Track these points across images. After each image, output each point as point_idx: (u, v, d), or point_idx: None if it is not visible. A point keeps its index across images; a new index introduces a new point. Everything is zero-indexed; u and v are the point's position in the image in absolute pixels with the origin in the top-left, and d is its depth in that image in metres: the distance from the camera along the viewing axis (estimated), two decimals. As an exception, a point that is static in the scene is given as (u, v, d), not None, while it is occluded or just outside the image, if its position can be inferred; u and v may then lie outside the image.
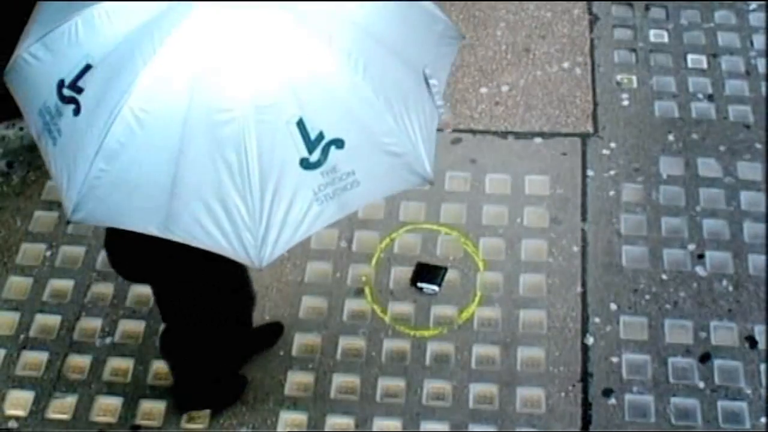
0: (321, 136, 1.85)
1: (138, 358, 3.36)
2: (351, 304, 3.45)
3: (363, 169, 1.92)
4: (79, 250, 3.64)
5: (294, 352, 3.35)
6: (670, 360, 3.28)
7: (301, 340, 3.38)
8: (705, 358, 3.28)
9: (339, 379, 3.28)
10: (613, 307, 3.41)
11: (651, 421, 3.16)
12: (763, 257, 3.51)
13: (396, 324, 3.40)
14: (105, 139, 1.84)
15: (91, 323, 3.45)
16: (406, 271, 3.51)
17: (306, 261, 3.57)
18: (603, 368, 3.28)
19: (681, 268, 3.50)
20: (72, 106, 1.90)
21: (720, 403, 3.18)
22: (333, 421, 3.20)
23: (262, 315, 3.43)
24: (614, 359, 3.29)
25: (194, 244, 1.93)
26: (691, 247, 3.56)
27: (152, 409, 3.25)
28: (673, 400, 3.20)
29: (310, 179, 1.87)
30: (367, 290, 3.49)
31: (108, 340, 3.41)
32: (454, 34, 2.22)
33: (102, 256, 3.61)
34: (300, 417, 3.21)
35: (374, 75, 1.90)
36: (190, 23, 1.83)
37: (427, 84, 2.02)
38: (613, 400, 3.21)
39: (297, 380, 3.29)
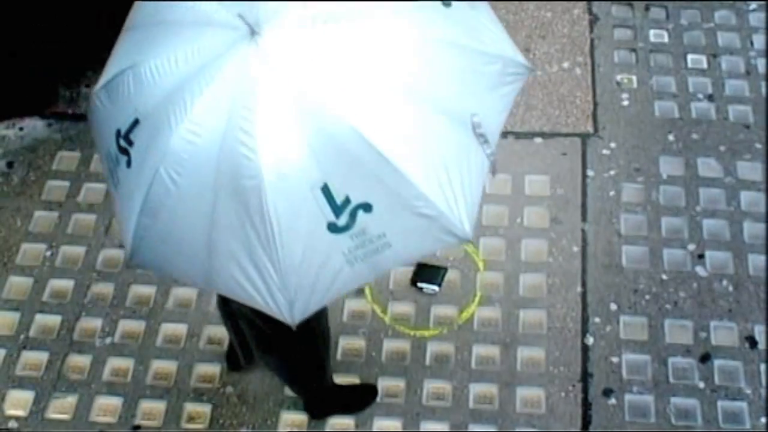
0: (347, 200, 1.84)
1: (138, 358, 3.36)
2: (351, 304, 3.45)
3: (394, 231, 1.90)
4: (79, 250, 3.64)
5: (294, 352, 3.35)
6: (670, 360, 3.28)
7: (301, 340, 3.38)
8: (705, 358, 3.28)
9: (339, 379, 3.28)
10: (613, 307, 3.41)
11: (651, 421, 3.16)
12: (763, 257, 3.51)
13: (396, 324, 3.40)
14: (147, 196, 1.90)
15: (91, 323, 3.45)
16: (406, 271, 3.51)
17: (306, 261, 3.56)
18: (603, 368, 3.28)
19: (681, 268, 3.50)
20: (126, 158, 1.95)
21: (720, 403, 3.18)
22: (333, 421, 3.20)
23: (262, 315, 3.43)
24: (614, 359, 3.29)
25: (235, 299, 1.99)
26: (691, 247, 3.56)
27: (152, 409, 3.25)
28: (673, 400, 3.20)
29: (339, 242, 1.87)
30: (367, 290, 3.49)
31: (108, 340, 3.41)
32: (518, 69, 2.08)
33: (102, 255, 3.61)
34: (300, 417, 3.21)
35: (404, 140, 1.86)
36: (218, 87, 1.85)
37: (475, 134, 1.95)
38: (613, 400, 3.21)
39: (297, 380, 3.29)
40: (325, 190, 1.83)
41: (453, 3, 2.01)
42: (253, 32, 1.82)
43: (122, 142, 1.95)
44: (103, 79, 2.05)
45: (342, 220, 1.85)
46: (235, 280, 1.92)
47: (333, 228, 1.85)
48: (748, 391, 3.21)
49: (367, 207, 1.85)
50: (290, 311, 1.92)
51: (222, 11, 1.89)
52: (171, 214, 1.92)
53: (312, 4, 1.87)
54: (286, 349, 2.69)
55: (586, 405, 3.20)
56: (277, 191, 1.81)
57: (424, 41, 1.92)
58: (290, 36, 1.84)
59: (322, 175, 1.82)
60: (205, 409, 3.24)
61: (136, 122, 1.92)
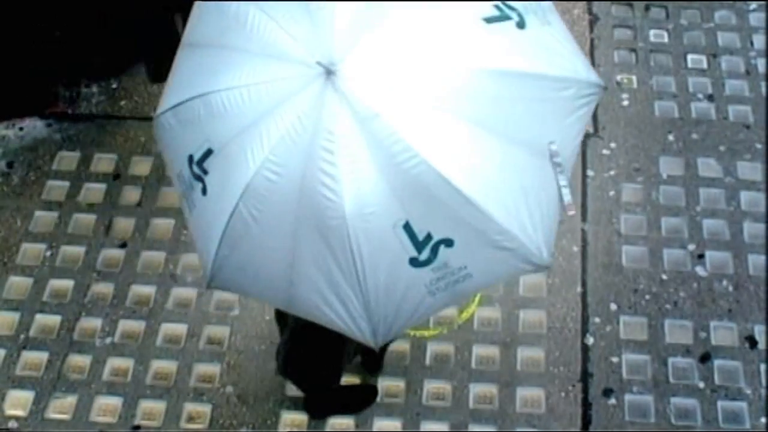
0: (429, 237, 1.87)
1: (138, 358, 3.36)
2: (351, 304, 3.45)
3: (475, 263, 1.93)
4: (79, 250, 3.64)
5: (294, 352, 3.35)
6: (670, 360, 3.28)
7: (301, 340, 3.38)
8: (705, 358, 3.28)
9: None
10: (613, 307, 3.41)
11: (651, 421, 3.16)
12: (763, 257, 3.51)
13: (396, 324, 3.40)
14: (226, 229, 1.94)
15: (91, 323, 3.45)
16: (406, 271, 3.51)
17: (306, 261, 3.57)
18: (603, 368, 3.28)
19: (681, 268, 3.50)
20: (200, 185, 1.98)
21: (720, 403, 3.18)
22: (333, 421, 3.20)
23: (262, 315, 3.43)
24: (614, 359, 3.29)
25: (318, 323, 2.04)
26: (691, 247, 3.56)
27: (152, 409, 3.25)
28: (673, 400, 3.20)
29: (421, 276, 1.91)
30: (367, 290, 3.48)
31: (108, 340, 3.41)
32: (591, 90, 2.05)
33: (102, 255, 3.61)
34: (300, 417, 3.21)
35: (484, 176, 1.87)
36: (295, 126, 1.86)
37: (552, 163, 1.96)
38: (613, 400, 3.21)
39: (297, 380, 3.29)
40: (407, 228, 1.86)
41: (526, 20, 1.99)
42: (329, 71, 1.82)
43: (195, 169, 1.97)
44: (169, 101, 2.05)
45: (424, 255, 1.88)
46: (318, 308, 1.97)
47: (415, 263, 1.89)
48: (748, 391, 3.21)
49: (448, 242, 1.88)
50: (374, 337, 1.98)
51: (294, 46, 1.88)
52: (251, 247, 1.95)
53: (386, 37, 1.86)
54: (315, 346, 2.72)
55: (586, 405, 3.20)
56: (361, 230, 1.84)
57: (500, 74, 1.91)
58: (366, 75, 1.84)
59: (403, 214, 1.85)
60: (205, 409, 3.24)
61: (209, 152, 1.94)
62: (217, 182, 1.94)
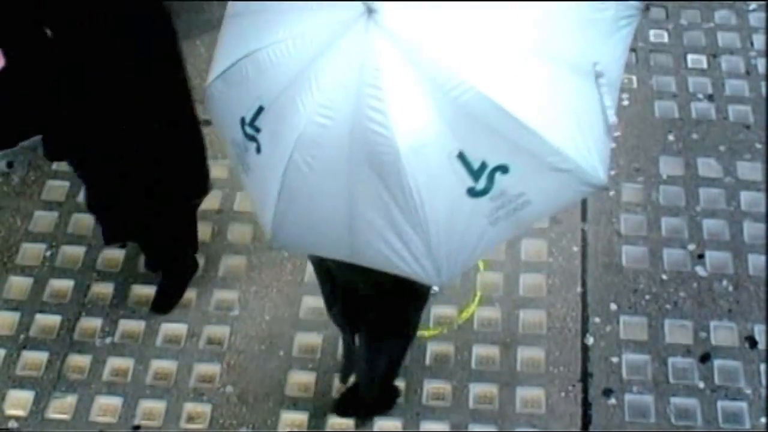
0: (484, 165, 1.86)
1: (138, 358, 3.36)
2: (351, 304, 3.45)
3: (533, 189, 1.92)
4: (79, 250, 3.64)
5: (294, 352, 3.35)
6: (670, 360, 3.28)
7: (301, 340, 3.38)
8: (705, 358, 3.28)
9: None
10: (613, 307, 3.41)
11: (651, 421, 3.16)
12: (763, 257, 3.51)
13: (396, 324, 3.40)
14: (283, 182, 1.93)
15: (91, 323, 3.45)
16: (406, 271, 3.51)
17: (306, 261, 3.56)
18: (603, 368, 3.28)
19: (681, 268, 3.50)
20: (254, 144, 1.97)
21: (720, 403, 3.19)
22: (333, 421, 3.20)
23: (262, 315, 3.43)
24: (614, 359, 3.29)
25: (381, 269, 2.03)
26: (691, 247, 3.56)
27: (152, 409, 3.25)
28: (673, 400, 3.20)
29: (480, 206, 1.90)
30: (367, 290, 3.49)
31: (108, 340, 3.41)
32: (630, 11, 2.05)
33: (102, 255, 3.61)
34: (300, 417, 3.21)
35: (534, 98, 1.87)
36: (341, 67, 1.86)
37: (597, 84, 1.96)
38: (613, 400, 3.21)
39: (297, 380, 3.29)
40: (462, 157, 1.85)
41: None
42: (370, 10, 1.82)
43: (248, 129, 1.97)
44: (216, 70, 2.06)
45: (480, 184, 1.87)
46: (379, 252, 1.95)
47: (472, 192, 1.88)
48: (748, 391, 3.21)
49: (504, 169, 1.87)
50: (438, 276, 1.96)
51: None
52: (308, 197, 1.95)
53: None
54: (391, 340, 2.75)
55: (586, 405, 3.20)
56: (415, 164, 1.83)
57: None
58: (407, 10, 1.84)
59: (457, 143, 1.84)
60: (205, 409, 3.24)
61: (260, 109, 1.94)
62: (270, 137, 1.94)
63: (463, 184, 1.86)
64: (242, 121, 1.98)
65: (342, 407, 3.20)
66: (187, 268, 3.49)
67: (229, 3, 2.12)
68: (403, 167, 1.83)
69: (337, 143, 1.87)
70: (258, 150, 1.97)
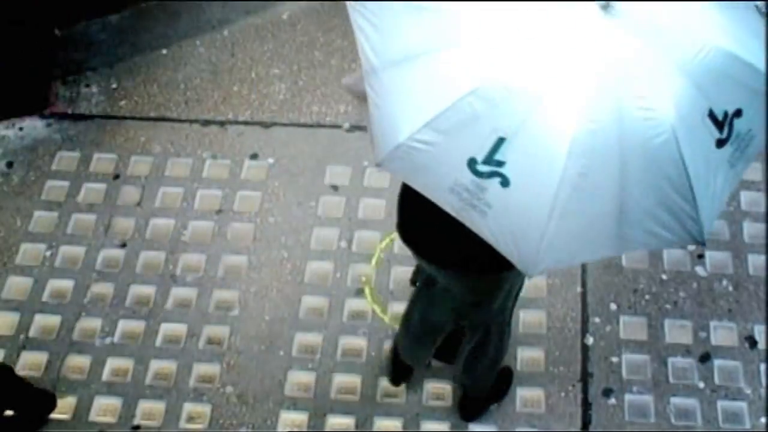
0: (726, 114, 1.97)
1: (138, 358, 3.36)
2: (351, 304, 3.46)
3: (755, 122, 2.03)
4: (79, 250, 3.64)
5: (294, 352, 3.35)
6: (670, 360, 3.28)
7: (301, 340, 3.38)
8: (705, 358, 3.28)
9: (339, 379, 3.28)
10: (613, 307, 3.41)
11: (651, 421, 3.16)
12: (763, 257, 3.51)
13: (396, 324, 3.40)
14: (555, 202, 1.90)
15: (91, 323, 3.45)
16: (406, 271, 3.51)
17: (306, 261, 3.57)
18: (603, 368, 3.28)
19: (681, 268, 3.50)
20: (496, 179, 1.92)
21: (720, 403, 3.19)
22: (333, 421, 3.20)
23: (262, 315, 3.44)
24: (614, 359, 3.29)
25: (645, 249, 2.15)
26: (691, 247, 3.56)
27: (152, 409, 3.25)
28: (673, 400, 3.20)
29: (724, 153, 2.00)
30: (367, 290, 3.49)
31: (108, 340, 3.41)
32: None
33: (102, 255, 3.61)
34: (300, 417, 3.21)
35: (748, 41, 2.00)
36: (589, 69, 1.88)
37: None
38: (613, 400, 3.21)
39: (297, 380, 3.29)
40: (711, 114, 1.95)
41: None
42: (605, 6, 1.86)
43: (482, 168, 1.92)
44: (418, 120, 1.96)
45: (724, 133, 1.98)
46: (648, 232, 2.00)
47: (720, 143, 1.98)
48: (748, 391, 3.21)
49: (738, 113, 1.98)
50: (701, 235, 2.05)
51: None
52: (581, 208, 1.94)
53: None
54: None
55: (586, 405, 3.20)
56: (683, 137, 1.90)
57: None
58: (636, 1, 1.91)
59: (706, 102, 1.93)
60: (205, 409, 3.25)
61: (500, 141, 1.90)
62: (524, 164, 1.91)
63: (712, 139, 1.96)
64: (471, 162, 1.92)
65: (466, 413, 3.20)
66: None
67: (367, 57, 2.02)
68: (676, 142, 1.90)
69: (606, 144, 1.88)
70: (504, 183, 1.91)
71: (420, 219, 2.39)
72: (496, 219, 1.97)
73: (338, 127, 3.97)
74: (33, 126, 4.06)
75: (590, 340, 3.34)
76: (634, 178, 1.92)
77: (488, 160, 1.91)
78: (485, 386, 3.11)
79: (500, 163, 1.90)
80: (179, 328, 3.43)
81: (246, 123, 4.01)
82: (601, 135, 1.87)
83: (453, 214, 2.00)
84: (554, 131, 1.87)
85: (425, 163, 1.98)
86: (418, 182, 2.05)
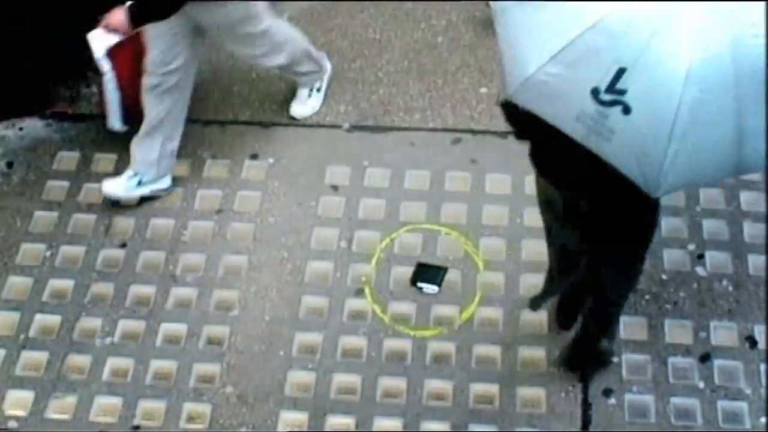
0: None
1: (138, 358, 3.36)
2: (351, 304, 3.46)
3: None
4: (79, 250, 3.64)
5: (294, 352, 3.35)
6: (670, 360, 3.28)
7: (301, 340, 3.38)
8: (705, 358, 3.28)
9: (339, 379, 3.28)
10: (613, 307, 3.41)
11: (651, 421, 3.16)
12: (763, 257, 3.51)
13: (396, 324, 3.40)
14: (674, 125, 2.00)
15: (91, 323, 3.45)
16: (406, 271, 3.51)
17: (306, 261, 3.57)
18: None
19: (681, 268, 3.50)
20: (618, 107, 2.04)
21: (720, 403, 3.18)
22: (333, 421, 3.20)
23: (262, 315, 3.44)
24: (614, 359, 3.29)
25: (760, 172, 2.22)
26: (691, 247, 3.56)
27: (152, 409, 3.25)
28: (673, 400, 3.20)
29: None
30: (367, 290, 3.49)
31: (108, 340, 3.41)
32: None
33: (102, 255, 3.62)
34: (300, 417, 3.21)
35: None
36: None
37: None
38: (613, 400, 3.21)
39: (297, 380, 3.29)
40: None
41: None
42: None
43: (605, 97, 2.04)
44: (541, 56, 2.10)
45: None
46: (762, 156, 2.06)
47: None
48: (748, 391, 3.21)
49: None
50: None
51: None
52: (700, 129, 2.02)
53: None
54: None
55: (586, 405, 3.20)
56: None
57: None
58: None
59: None
60: (205, 409, 3.24)
61: (621, 71, 2.01)
62: (643, 92, 2.01)
63: None
64: (595, 91, 2.04)
65: (568, 361, 3.24)
66: None
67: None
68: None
69: (721, 70, 1.97)
70: (626, 111, 2.04)
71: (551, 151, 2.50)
72: (620, 144, 2.09)
73: (338, 127, 3.98)
74: (33, 126, 4.06)
75: (590, 340, 3.34)
76: (751, 100, 1.99)
77: (610, 89, 2.03)
78: (608, 312, 3.10)
79: (622, 92, 2.03)
80: (179, 328, 3.43)
81: (246, 123, 4.01)
82: (714, 64, 1.97)
83: (579, 141, 2.13)
84: (670, 61, 1.97)
85: (552, 94, 2.12)
86: (546, 112, 2.18)
